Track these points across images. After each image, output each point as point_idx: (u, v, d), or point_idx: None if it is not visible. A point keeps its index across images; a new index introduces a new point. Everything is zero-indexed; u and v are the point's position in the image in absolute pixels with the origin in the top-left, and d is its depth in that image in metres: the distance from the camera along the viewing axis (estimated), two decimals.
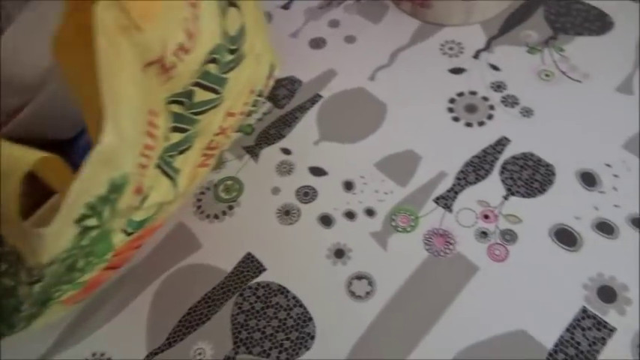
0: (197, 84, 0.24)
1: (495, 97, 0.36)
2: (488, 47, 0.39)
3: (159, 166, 0.24)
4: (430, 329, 0.28)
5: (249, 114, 0.36)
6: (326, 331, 0.29)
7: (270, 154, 0.36)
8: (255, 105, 0.35)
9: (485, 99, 0.37)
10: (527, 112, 0.35)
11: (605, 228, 0.30)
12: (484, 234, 0.31)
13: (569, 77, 0.37)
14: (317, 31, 0.42)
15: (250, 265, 0.31)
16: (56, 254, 0.18)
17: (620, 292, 0.28)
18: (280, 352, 0.28)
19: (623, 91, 0.35)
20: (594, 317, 0.28)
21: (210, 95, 0.26)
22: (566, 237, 0.30)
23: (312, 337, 0.29)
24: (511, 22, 0.40)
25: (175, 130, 0.25)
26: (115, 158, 0.18)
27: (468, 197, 0.32)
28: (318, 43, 0.41)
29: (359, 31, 0.42)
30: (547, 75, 0.37)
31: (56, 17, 0.18)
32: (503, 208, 0.32)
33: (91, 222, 0.19)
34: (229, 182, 0.35)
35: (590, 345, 0.27)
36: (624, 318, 0.27)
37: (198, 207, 0.34)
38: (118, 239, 0.24)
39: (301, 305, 0.30)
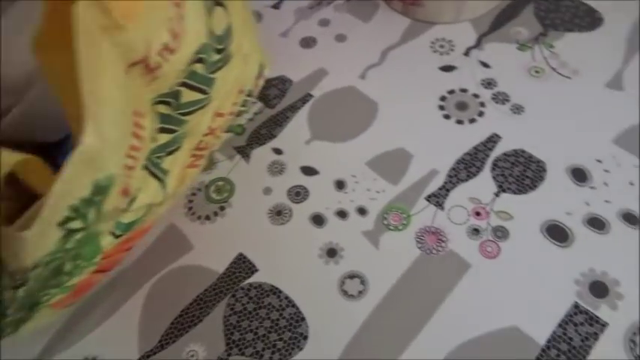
0: (184, 84, 0.24)
1: (486, 94, 0.36)
2: (478, 44, 0.39)
3: (146, 168, 0.24)
4: (423, 327, 0.28)
5: (239, 114, 0.35)
6: (319, 331, 0.29)
7: (262, 154, 0.36)
8: (244, 105, 0.35)
9: (475, 96, 0.36)
10: (517, 109, 0.35)
11: (596, 223, 0.30)
12: (476, 231, 0.31)
13: (560, 73, 0.37)
14: (307, 30, 0.42)
15: (242, 265, 0.31)
16: (39, 257, 0.18)
17: (611, 287, 0.28)
18: (273, 352, 0.28)
19: (613, 87, 0.36)
20: (586, 312, 0.28)
21: (198, 95, 0.26)
22: (557, 233, 0.30)
23: (305, 338, 0.29)
24: (501, 19, 0.40)
25: (163, 131, 0.25)
26: (98, 159, 0.18)
27: (460, 194, 0.32)
28: (308, 43, 0.41)
29: (349, 29, 0.41)
30: (537, 71, 0.37)
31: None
32: (494, 205, 0.32)
33: (76, 224, 0.19)
34: (220, 183, 0.35)
35: (582, 340, 0.27)
36: (616, 313, 0.27)
37: (190, 208, 0.34)
38: (107, 242, 0.24)
39: (294, 305, 0.30)
